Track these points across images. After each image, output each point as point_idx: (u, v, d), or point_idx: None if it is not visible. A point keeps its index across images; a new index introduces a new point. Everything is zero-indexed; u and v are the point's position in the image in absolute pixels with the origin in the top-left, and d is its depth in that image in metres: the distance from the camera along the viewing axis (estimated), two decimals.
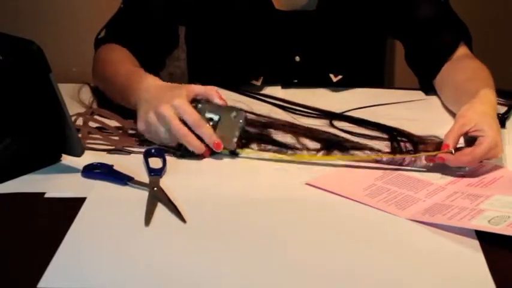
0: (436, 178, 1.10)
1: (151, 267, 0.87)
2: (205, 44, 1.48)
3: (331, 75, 1.45)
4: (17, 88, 1.05)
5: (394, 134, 1.23)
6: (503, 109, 1.35)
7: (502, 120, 1.32)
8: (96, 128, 1.22)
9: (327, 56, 1.44)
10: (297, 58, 1.44)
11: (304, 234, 0.95)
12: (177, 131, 1.11)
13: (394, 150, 1.18)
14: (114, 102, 1.29)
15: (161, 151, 1.13)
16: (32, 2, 2.21)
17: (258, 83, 1.44)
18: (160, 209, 0.99)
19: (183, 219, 0.97)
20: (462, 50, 1.42)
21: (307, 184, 1.08)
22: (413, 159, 1.14)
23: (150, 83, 1.18)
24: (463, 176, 1.10)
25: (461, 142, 1.15)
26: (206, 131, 1.12)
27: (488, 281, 0.85)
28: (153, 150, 1.14)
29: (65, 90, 1.04)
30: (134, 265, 0.88)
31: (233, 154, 1.13)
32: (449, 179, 1.10)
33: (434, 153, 1.12)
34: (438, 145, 1.16)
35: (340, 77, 1.45)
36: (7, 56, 1.01)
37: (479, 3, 2.21)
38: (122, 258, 0.89)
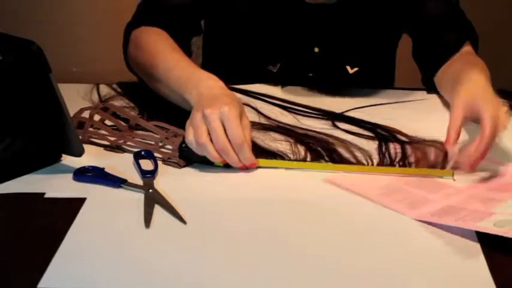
0: (458, 180, 1.09)
1: (152, 268, 0.87)
2: (226, 29, 1.49)
3: (348, 67, 1.46)
4: (17, 88, 1.05)
5: (384, 136, 1.23)
6: None
7: None
8: (100, 121, 1.23)
9: (345, 48, 1.46)
10: (316, 49, 1.45)
11: (304, 233, 0.95)
12: (216, 140, 1.07)
13: (382, 153, 1.17)
14: (152, 89, 1.29)
15: (151, 153, 1.14)
16: (32, 2, 2.21)
17: (275, 70, 1.46)
18: (159, 211, 0.99)
19: (183, 221, 0.97)
20: (466, 50, 1.43)
21: (325, 180, 1.08)
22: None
23: (211, 86, 1.16)
24: (487, 180, 1.10)
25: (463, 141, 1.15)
26: (246, 151, 1.09)
27: (489, 284, 0.85)
28: (142, 152, 1.14)
29: (65, 90, 1.04)
30: (134, 266, 0.88)
31: (227, 166, 1.12)
32: (471, 182, 1.09)
33: (444, 171, 1.11)
34: (429, 148, 1.16)
35: (356, 69, 1.46)
36: (7, 56, 1.01)
37: (480, 3, 2.21)
38: (122, 259, 0.89)
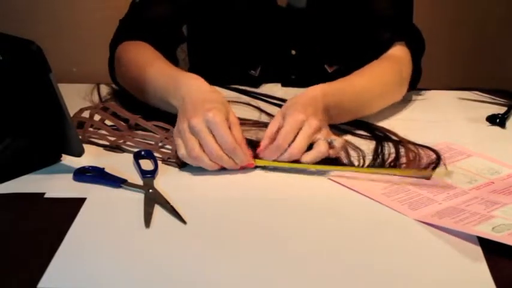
0: (464, 182, 1.09)
1: (152, 268, 0.87)
2: (206, 36, 1.50)
3: (326, 66, 1.46)
4: (17, 88, 1.05)
5: (381, 137, 1.23)
6: (503, 109, 1.35)
7: (502, 120, 1.32)
8: (100, 121, 1.23)
9: (320, 49, 1.46)
10: (293, 52, 1.45)
11: (305, 232, 0.95)
12: (209, 151, 1.07)
13: (377, 154, 1.17)
14: (146, 103, 1.29)
15: (151, 153, 1.14)
16: (32, 2, 2.21)
17: (256, 74, 1.46)
18: (159, 211, 0.99)
19: (183, 221, 0.97)
20: (394, 51, 1.39)
21: (329, 179, 1.08)
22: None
23: (192, 87, 1.15)
24: (492, 182, 1.09)
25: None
26: (240, 154, 1.08)
27: (490, 286, 0.85)
28: (142, 152, 1.14)
29: (65, 90, 1.04)
30: (134, 266, 0.88)
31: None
32: (476, 184, 1.08)
33: (422, 172, 1.09)
34: (421, 151, 1.16)
35: (335, 67, 1.46)
36: (7, 56, 1.01)
37: (480, 3, 2.21)
38: (122, 259, 0.89)
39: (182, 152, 1.09)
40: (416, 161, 1.14)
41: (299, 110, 1.12)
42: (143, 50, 1.35)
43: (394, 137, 1.23)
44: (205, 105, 1.10)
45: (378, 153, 1.18)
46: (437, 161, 1.14)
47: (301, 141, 1.10)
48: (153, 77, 1.24)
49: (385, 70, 1.35)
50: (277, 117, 1.14)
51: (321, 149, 1.10)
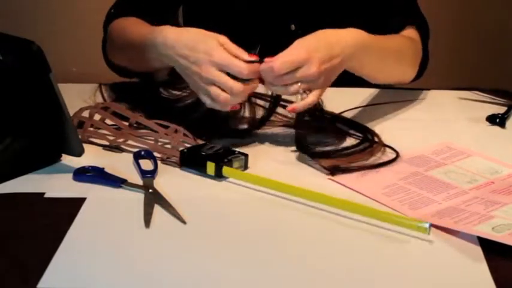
0: (464, 182, 1.09)
1: (151, 269, 0.87)
2: (202, 16, 1.50)
3: None
4: (17, 88, 1.05)
5: (367, 137, 1.22)
6: (503, 109, 1.35)
7: (502, 120, 1.32)
8: (100, 121, 1.23)
9: (321, 25, 1.45)
10: (292, 27, 1.45)
11: (305, 232, 0.95)
12: (230, 90, 1.11)
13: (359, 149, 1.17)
14: (135, 70, 1.30)
15: (151, 153, 1.14)
16: (32, 2, 2.21)
17: (256, 52, 1.46)
18: (159, 211, 0.99)
19: (182, 221, 0.97)
20: (406, 33, 1.41)
21: (329, 179, 1.08)
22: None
23: (167, 34, 1.18)
24: (492, 182, 1.09)
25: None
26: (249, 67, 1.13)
27: (490, 286, 0.85)
28: (142, 152, 1.14)
29: (65, 90, 1.04)
30: (134, 266, 0.88)
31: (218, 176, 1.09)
32: (476, 184, 1.08)
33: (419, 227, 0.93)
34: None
35: None
36: (7, 56, 1.01)
37: (480, 2, 2.22)
38: (121, 259, 0.89)
39: (209, 103, 1.13)
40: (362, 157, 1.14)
41: (309, 49, 1.14)
42: (135, 20, 1.36)
43: (376, 139, 1.21)
44: (198, 50, 1.12)
45: (347, 147, 1.17)
46: (391, 161, 1.14)
47: (286, 80, 1.12)
48: (140, 35, 1.26)
49: (406, 41, 1.37)
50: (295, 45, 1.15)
51: (291, 89, 1.12)
